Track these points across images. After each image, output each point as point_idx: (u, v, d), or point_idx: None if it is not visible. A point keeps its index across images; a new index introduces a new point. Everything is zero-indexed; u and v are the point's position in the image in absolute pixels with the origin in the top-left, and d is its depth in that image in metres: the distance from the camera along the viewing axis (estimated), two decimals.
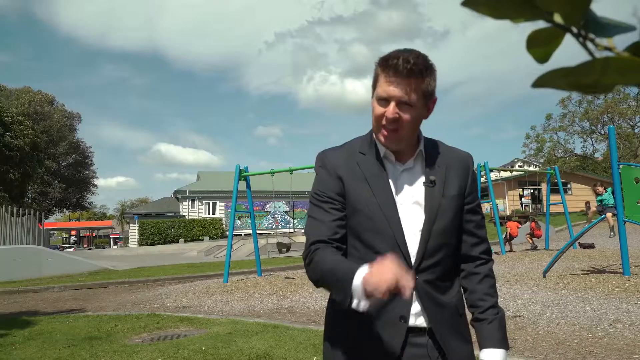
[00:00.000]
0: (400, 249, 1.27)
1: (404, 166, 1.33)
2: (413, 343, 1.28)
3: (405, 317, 1.27)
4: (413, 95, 1.21)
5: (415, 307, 1.28)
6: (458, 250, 1.37)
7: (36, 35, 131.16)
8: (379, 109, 1.25)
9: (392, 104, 1.22)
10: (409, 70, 1.18)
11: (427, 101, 1.26)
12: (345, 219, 1.32)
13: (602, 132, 34.39)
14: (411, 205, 1.31)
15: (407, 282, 1.02)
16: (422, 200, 1.31)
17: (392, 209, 1.29)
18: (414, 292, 1.27)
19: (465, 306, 1.39)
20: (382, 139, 1.28)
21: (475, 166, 1.45)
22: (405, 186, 1.32)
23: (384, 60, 1.23)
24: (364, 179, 1.31)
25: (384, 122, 1.24)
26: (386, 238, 1.28)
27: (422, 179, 1.33)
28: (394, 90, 1.20)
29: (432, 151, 1.36)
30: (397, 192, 1.32)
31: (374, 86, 1.28)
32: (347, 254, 1.33)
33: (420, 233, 1.29)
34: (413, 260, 1.28)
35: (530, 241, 15.40)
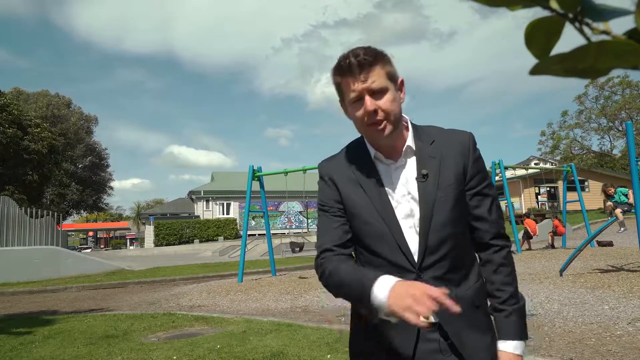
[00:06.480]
0: (401, 249, 1.25)
1: (396, 164, 1.31)
2: (426, 338, 1.26)
3: None
4: (379, 80, 1.21)
5: None
6: (468, 238, 1.32)
7: (53, 41, 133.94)
8: (358, 111, 1.24)
9: (367, 97, 1.21)
10: (362, 61, 1.19)
11: (394, 83, 1.25)
12: (347, 222, 1.33)
13: (619, 128, 33.75)
14: (407, 202, 1.28)
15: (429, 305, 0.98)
16: (417, 197, 1.28)
17: (389, 210, 1.27)
18: None
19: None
20: (374, 135, 1.26)
21: (480, 155, 1.35)
22: (400, 184, 1.30)
23: (338, 68, 1.24)
24: (358, 183, 1.31)
25: (367, 119, 1.23)
26: (387, 241, 1.26)
27: (415, 174, 1.29)
28: (360, 84, 1.21)
29: (425, 142, 1.32)
30: (392, 192, 1.29)
31: (342, 97, 1.29)
32: (356, 257, 1.34)
33: (418, 230, 1.26)
34: (415, 258, 1.25)
35: (551, 240, 15.15)
